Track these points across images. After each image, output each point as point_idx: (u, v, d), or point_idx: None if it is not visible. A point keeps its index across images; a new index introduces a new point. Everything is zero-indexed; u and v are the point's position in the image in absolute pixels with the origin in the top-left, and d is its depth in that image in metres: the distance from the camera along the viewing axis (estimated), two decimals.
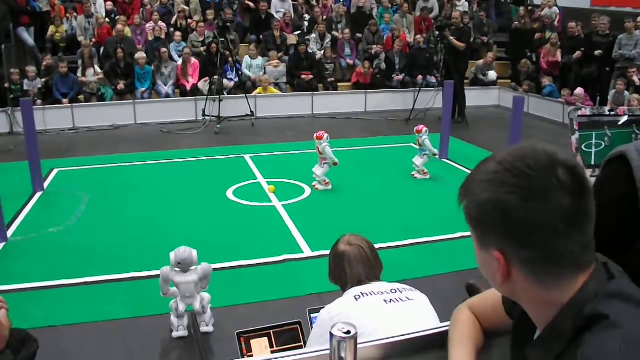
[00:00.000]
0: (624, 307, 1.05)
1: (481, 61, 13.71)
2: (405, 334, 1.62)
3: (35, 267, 5.36)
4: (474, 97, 12.88)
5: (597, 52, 11.77)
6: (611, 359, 0.98)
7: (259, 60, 12.83)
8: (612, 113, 1.95)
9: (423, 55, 13.27)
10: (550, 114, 11.91)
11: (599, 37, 11.92)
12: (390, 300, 2.38)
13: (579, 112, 1.92)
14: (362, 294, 2.41)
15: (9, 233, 6.10)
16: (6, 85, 11.00)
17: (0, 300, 2.53)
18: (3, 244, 5.86)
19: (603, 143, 1.92)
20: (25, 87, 11.02)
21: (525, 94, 12.25)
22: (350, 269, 2.55)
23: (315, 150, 7.42)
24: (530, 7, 15.34)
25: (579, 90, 11.55)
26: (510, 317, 1.33)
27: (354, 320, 2.23)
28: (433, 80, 12.75)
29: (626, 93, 10.71)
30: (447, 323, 1.62)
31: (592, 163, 1.91)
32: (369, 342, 1.59)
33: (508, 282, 1.14)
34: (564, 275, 1.09)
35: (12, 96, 10.81)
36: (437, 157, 8.38)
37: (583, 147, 1.92)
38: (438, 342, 1.60)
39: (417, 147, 7.96)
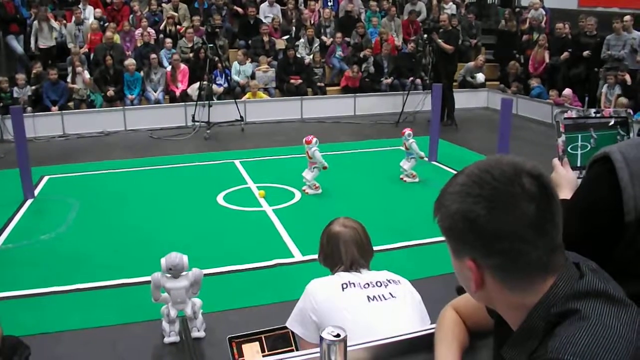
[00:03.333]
0: (592, 302, 1.09)
1: (471, 63, 13.76)
2: (394, 336, 1.64)
3: (27, 274, 5.34)
4: (463, 99, 12.93)
5: (585, 53, 11.85)
6: (580, 347, 1.02)
7: (248, 65, 12.83)
8: (598, 115, 1.97)
9: (410, 59, 13.30)
10: (538, 115, 12.00)
11: (586, 37, 12.01)
12: (373, 297, 2.42)
13: (565, 115, 1.94)
14: (350, 283, 2.46)
15: (0, 240, 6.09)
16: None
17: None
18: None
19: (589, 145, 1.94)
20: (15, 95, 10.99)
21: (514, 95, 12.34)
22: (346, 249, 2.60)
23: (304, 155, 7.43)
24: (517, 9, 15.41)
25: (567, 91, 11.64)
26: (492, 317, 1.36)
27: (335, 317, 2.29)
28: (419, 82, 12.74)
29: (617, 90, 10.80)
30: (434, 325, 1.65)
31: (579, 165, 1.93)
32: (358, 344, 1.61)
33: (482, 290, 1.18)
34: (533, 279, 1.13)
35: (1, 104, 10.77)
36: (427, 160, 8.40)
37: (569, 149, 1.94)
38: (426, 344, 1.63)
39: (405, 150, 7.97)
